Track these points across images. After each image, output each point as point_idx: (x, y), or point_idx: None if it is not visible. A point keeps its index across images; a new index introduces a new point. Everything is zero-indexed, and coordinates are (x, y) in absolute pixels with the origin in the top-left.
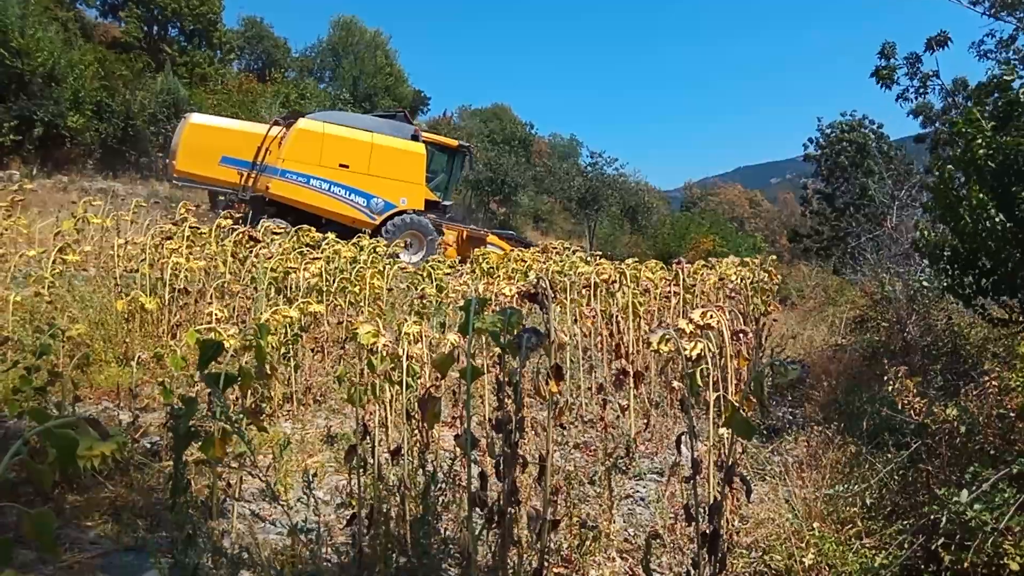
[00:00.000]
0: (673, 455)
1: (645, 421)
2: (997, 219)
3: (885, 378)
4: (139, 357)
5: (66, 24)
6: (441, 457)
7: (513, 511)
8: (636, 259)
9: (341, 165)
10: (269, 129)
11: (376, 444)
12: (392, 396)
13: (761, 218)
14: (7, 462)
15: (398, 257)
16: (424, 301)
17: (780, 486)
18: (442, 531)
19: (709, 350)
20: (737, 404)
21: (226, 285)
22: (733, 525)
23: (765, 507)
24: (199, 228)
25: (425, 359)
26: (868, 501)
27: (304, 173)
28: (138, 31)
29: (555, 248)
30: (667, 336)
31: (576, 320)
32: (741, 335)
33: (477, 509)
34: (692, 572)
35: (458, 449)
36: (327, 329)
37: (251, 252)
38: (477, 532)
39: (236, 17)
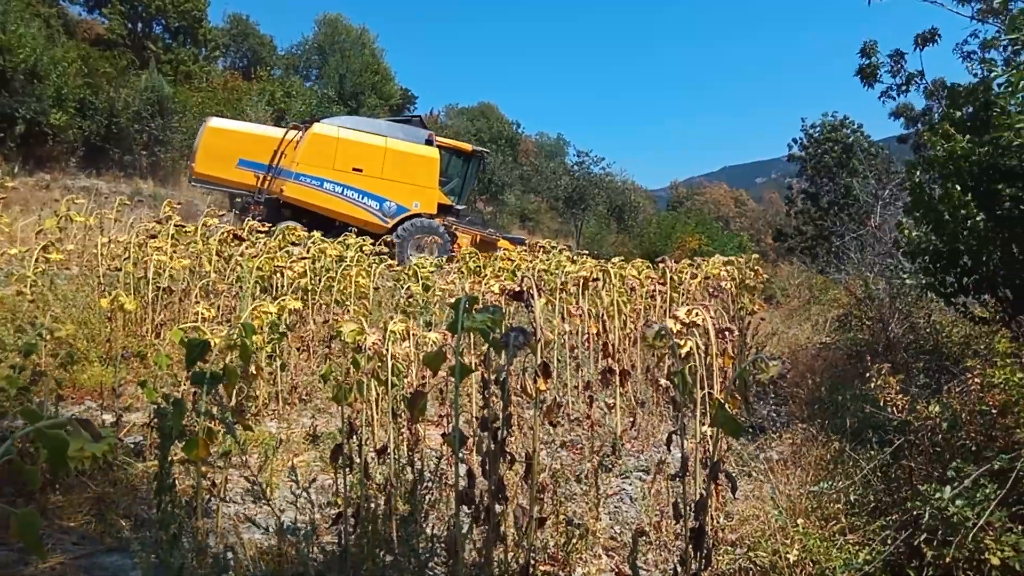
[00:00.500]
0: (659, 453)
1: (631, 419)
2: (978, 218)
3: (868, 376)
4: (122, 356)
5: (49, 20)
6: (428, 456)
7: (500, 509)
8: (623, 258)
9: (355, 169)
10: (286, 133)
11: (362, 443)
12: (378, 395)
13: (746, 217)
14: None
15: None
16: (410, 299)
17: (765, 483)
18: (429, 529)
19: (698, 348)
20: (723, 402)
21: (211, 284)
22: (719, 522)
23: (750, 504)
24: (184, 226)
25: (412, 358)
26: (852, 497)
27: (318, 176)
28: (122, 28)
29: (542, 247)
30: (662, 332)
31: (563, 319)
32: (727, 333)
33: (464, 507)
34: (678, 569)
35: (445, 447)
36: (313, 328)
37: (236, 251)
38: (464, 530)
39: (221, 14)
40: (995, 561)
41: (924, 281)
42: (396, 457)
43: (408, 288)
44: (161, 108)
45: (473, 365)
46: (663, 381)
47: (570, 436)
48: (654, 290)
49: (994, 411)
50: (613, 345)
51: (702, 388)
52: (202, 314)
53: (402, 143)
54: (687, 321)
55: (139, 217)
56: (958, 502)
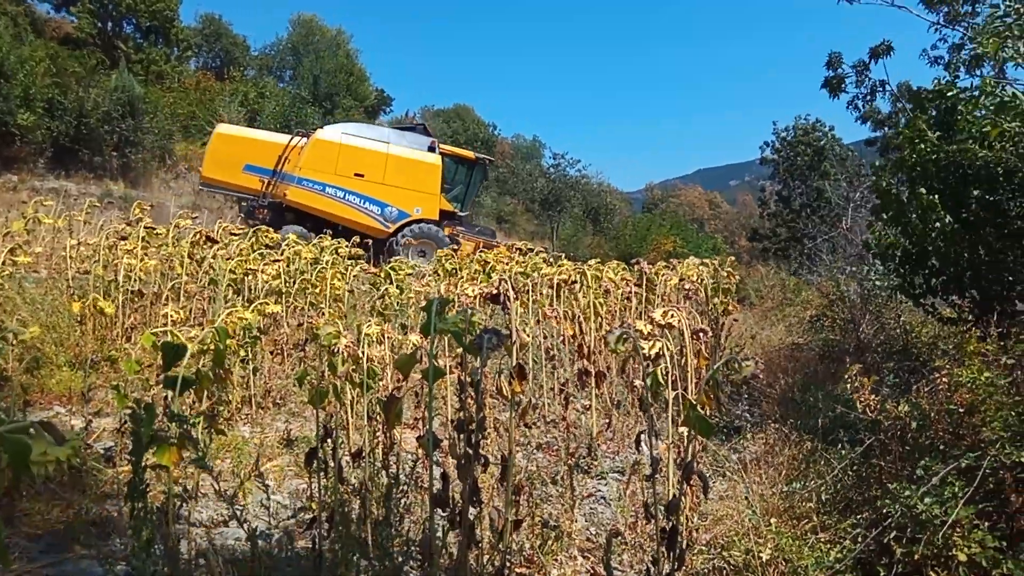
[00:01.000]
0: (635, 454)
1: (607, 421)
2: (946, 220)
3: (840, 376)
4: (92, 360)
5: (16, 19)
6: (403, 459)
7: (475, 511)
8: (598, 260)
9: (356, 174)
10: (291, 139)
11: (337, 446)
12: (353, 398)
13: (721, 219)
14: None
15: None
16: (386, 302)
17: (738, 483)
18: (404, 533)
19: (668, 349)
20: (695, 402)
21: (182, 287)
22: (692, 522)
23: (724, 504)
24: (155, 228)
25: (387, 360)
26: (823, 496)
27: (320, 181)
28: (91, 27)
29: (519, 249)
30: (624, 336)
31: (539, 320)
32: (701, 334)
33: (439, 510)
34: (652, 569)
35: (420, 451)
36: (287, 331)
37: (209, 253)
38: (439, 533)
39: (194, 14)
40: (962, 558)
41: (894, 282)
42: (371, 460)
43: (384, 291)
44: (132, 108)
45: (449, 368)
46: (638, 383)
47: (546, 438)
48: (630, 292)
49: (961, 410)
50: (589, 347)
51: (675, 389)
52: (171, 317)
53: (404, 149)
54: (662, 323)
55: (109, 219)
56: (927, 500)
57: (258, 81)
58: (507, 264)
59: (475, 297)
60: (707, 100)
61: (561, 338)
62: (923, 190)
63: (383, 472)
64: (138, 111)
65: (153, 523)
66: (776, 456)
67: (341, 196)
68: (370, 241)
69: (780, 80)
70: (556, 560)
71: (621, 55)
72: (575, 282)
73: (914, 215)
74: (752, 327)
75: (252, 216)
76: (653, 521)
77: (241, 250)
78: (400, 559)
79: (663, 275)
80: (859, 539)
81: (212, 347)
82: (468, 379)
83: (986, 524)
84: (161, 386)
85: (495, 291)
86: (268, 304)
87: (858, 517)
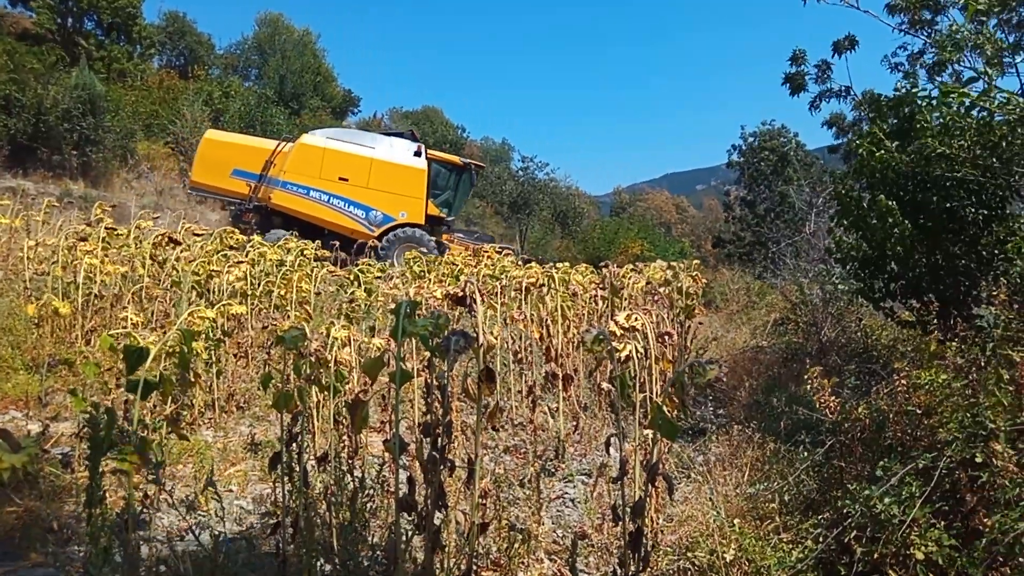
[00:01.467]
0: (602, 456)
1: (574, 423)
2: (905, 226)
3: (805, 378)
4: (49, 363)
5: None
6: (369, 463)
7: (441, 515)
8: (567, 263)
9: (341, 178)
10: (277, 145)
11: (302, 450)
12: (319, 401)
13: (687, 223)
14: None
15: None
16: (353, 305)
17: (703, 485)
18: (370, 538)
19: (637, 352)
20: (661, 405)
21: (144, 289)
22: (658, 524)
23: (689, 505)
24: (116, 229)
25: (354, 363)
26: (786, 497)
27: (304, 185)
28: (51, 23)
29: (486, 252)
30: (601, 336)
31: (507, 323)
32: (666, 337)
33: (405, 514)
34: (618, 571)
35: (387, 455)
36: (251, 334)
37: (171, 255)
38: (405, 537)
39: (157, 11)
40: (920, 556)
41: (854, 286)
42: (337, 464)
43: (351, 293)
44: (93, 107)
45: (416, 371)
46: (605, 385)
47: (513, 441)
48: (597, 295)
49: (919, 412)
50: (556, 350)
51: (642, 391)
52: (131, 319)
53: (389, 154)
54: (627, 326)
55: (68, 219)
56: (886, 500)
57: (223, 80)
58: (475, 267)
59: (442, 299)
60: (676, 102)
61: (529, 341)
62: (882, 196)
63: (349, 476)
64: (99, 109)
65: (112, 529)
66: (740, 458)
67: (325, 200)
68: (355, 245)
69: (749, 84)
70: (523, 563)
71: (589, 56)
72: (543, 285)
73: (874, 221)
74: (717, 330)
75: (240, 220)
76: (619, 523)
77: (205, 252)
78: (365, 564)
79: (630, 278)
80: (820, 539)
81: (176, 349)
82: (435, 382)
83: (942, 523)
84: (121, 390)
85: (461, 293)
86: (232, 305)
87: (819, 517)
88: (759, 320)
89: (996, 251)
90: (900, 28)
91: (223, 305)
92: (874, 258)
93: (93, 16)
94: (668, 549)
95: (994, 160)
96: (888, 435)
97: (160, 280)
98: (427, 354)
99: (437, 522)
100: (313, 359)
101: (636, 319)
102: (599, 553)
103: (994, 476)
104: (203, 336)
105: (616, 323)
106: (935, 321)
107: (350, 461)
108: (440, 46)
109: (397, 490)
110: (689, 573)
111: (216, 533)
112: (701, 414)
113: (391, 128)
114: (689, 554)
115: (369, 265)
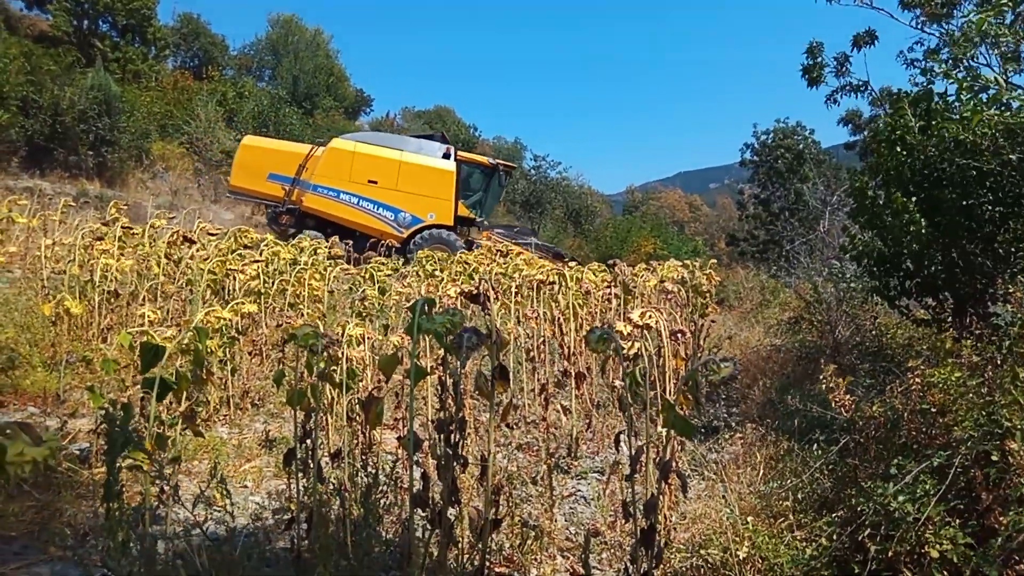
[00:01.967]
0: (614, 454)
1: (587, 421)
2: (921, 223)
3: (820, 377)
4: (67, 361)
5: None
6: (383, 460)
7: (455, 511)
8: (578, 261)
9: (370, 181)
10: (311, 149)
11: (316, 447)
12: (333, 398)
13: (700, 222)
14: None
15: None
16: (366, 303)
17: (716, 483)
18: (384, 533)
19: (647, 350)
20: (673, 403)
21: (159, 287)
22: (671, 521)
23: (702, 503)
24: (131, 228)
25: (367, 361)
26: (799, 495)
27: (334, 188)
28: (67, 25)
29: (499, 251)
30: (604, 335)
31: (519, 321)
32: (679, 335)
33: (419, 510)
34: (630, 567)
35: (400, 451)
36: (266, 332)
37: (186, 253)
38: (419, 533)
39: (171, 13)
40: (934, 554)
41: (869, 284)
42: (350, 461)
43: (364, 291)
44: (108, 107)
45: (430, 368)
46: (618, 383)
47: (526, 438)
48: (610, 293)
49: (934, 410)
50: (569, 348)
51: (654, 389)
52: (148, 317)
53: (417, 156)
54: (640, 323)
55: (84, 218)
56: (900, 498)
57: (236, 81)
58: (488, 265)
59: (456, 297)
60: (690, 101)
61: (542, 339)
62: (899, 193)
63: (362, 472)
64: (114, 110)
65: (129, 524)
66: (753, 456)
67: (355, 202)
68: (367, 244)
69: (763, 83)
70: (536, 559)
71: (601, 54)
72: (555, 283)
73: (889, 218)
74: (731, 328)
75: (276, 222)
76: (632, 520)
77: (220, 250)
78: (379, 559)
79: (642, 276)
80: (834, 537)
81: (191, 347)
82: (449, 379)
83: (957, 521)
84: (137, 387)
85: (475, 291)
86: (245, 303)
87: (833, 515)
88: (773, 319)
89: (1013, 248)
90: (914, 24)
91: (237, 303)
92: (889, 256)
93: (108, 18)
94: (681, 547)
95: (1013, 155)
96: (903, 433)
97: (175, 279)
98: (441, 352)
99: (451, 518)
100: (326, 356)
101: (650, 316)
102: (612, 550)
103: (1009, 474)
104: (218, 334)
105: (630, 320)
106: (951, 319)
107: (364, 457)
108: (453, 46)
109: (411, 486)
110: (702, 571)
111: (231, 527)
112: (714, 412)
113: (403, 127)
114: (702, 551)
115: (381, 264)
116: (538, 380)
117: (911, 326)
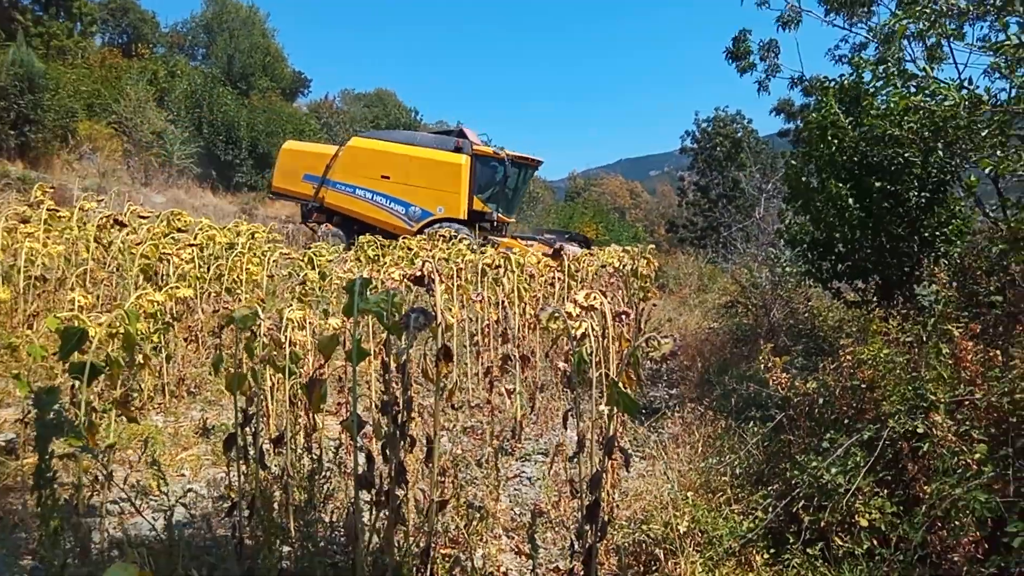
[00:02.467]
0: (558, 436)
1: (531, 404)
2: (852, 209)
3: (760, 357)
4: None
5: None
6: (326, 445)
7: (401, 493)
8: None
9: (383, 176)
10: (338, 149)
11: (257, 432)
12: (274, 383)
13: (641, 209)
14: None
15: None
16: (306, 287)
17: (657, 461)
18: (327, 518)
19: (594, 330)
20: (617, 381)
21: (89, 272)
22: (614, 499)
23: (644, 481)
24: (58, 211)
25: (309, 346)
26: (737, 471)
27: (350, 184)
28: None
29: (441, 236)
30: (556, 314)
31: (463, 306)
32: (623, 316)
33: (364, 492)
34: (576, 543)
35: (344, 436)
36: (202, 317)
37: (117, 237)
38: (364, 515)
39: None
40: (864, 523)
41: (802, 268)
42: (293, 446)
43: (304, 276)
44: (31, 84)
45: (373, 353)
46: (562, 365)
47: (471, 422)
48: (553, 277)
49: (864, 386)
50: (513, 331)
51: (598, 369)
52: (78, 303)
53: (427, 150)
54: (585, 305)
55: (7, 201)
56: (832, 471)
57: (168, 59)
58: (430, 251)
59: (400, 280)
60: (632, 88)
61: (486, 323)
62: (833, 180)
63: (305, 457)
64: (37, 87)
65: (62, 513)
66: (693, 434)
67: (369, 197)
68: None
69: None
70: (481, 540)
71: (544, 37)
72: (498, 267)
73: (821, 203)
74: (671, 312)
75: (308, 219)
76: (577, 496)
77: (152, 234)
78: (323, 543)
79: (584, 261)
80: (770, 509)
81: (121, 331)
82: (393, 361)
83: (885, 492)
84: (68, 374)
85: (419, 273)
86: (180, 288)
87: (769, 489)
88: (711, 303)
89: (937, 233)
90: (834, 23)
91: (171, 288)
92: (822, 240)
93: None
94: (624, 523)
95: (938, 144)
96: (834, 409)
97: (106, 263)
98: (383, 335)
99: (398, 496)
100: (267, 340)
101: (594, 298)
102: (555, 529)
103: (934, 446)
104: (152, 319)
105: (575, 302)
106: (879, 300)
107: (306, 441)
108: (393, 28)
109: (356, 468)
110: (644, 545)
111: (168, 516)
112: (655, 394)
113: (343, 110)
114: (644, 527)
115: (321, 248)
116: (482, 364)
117: (842, 308)
